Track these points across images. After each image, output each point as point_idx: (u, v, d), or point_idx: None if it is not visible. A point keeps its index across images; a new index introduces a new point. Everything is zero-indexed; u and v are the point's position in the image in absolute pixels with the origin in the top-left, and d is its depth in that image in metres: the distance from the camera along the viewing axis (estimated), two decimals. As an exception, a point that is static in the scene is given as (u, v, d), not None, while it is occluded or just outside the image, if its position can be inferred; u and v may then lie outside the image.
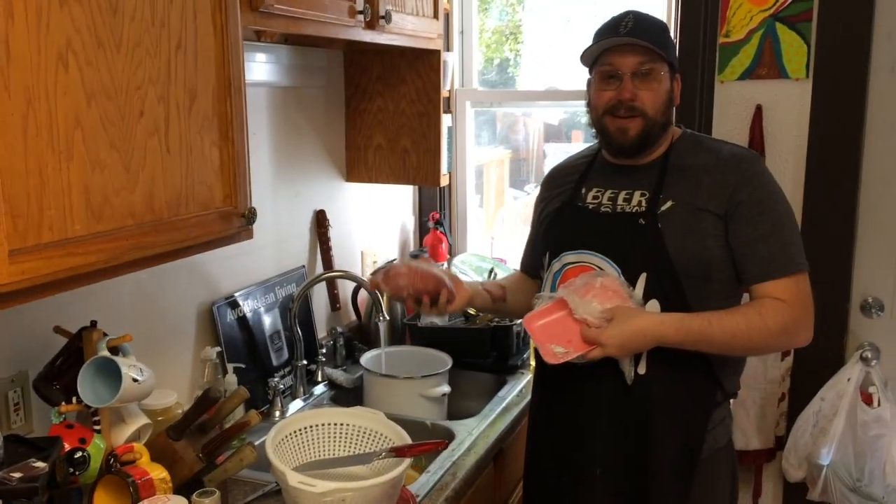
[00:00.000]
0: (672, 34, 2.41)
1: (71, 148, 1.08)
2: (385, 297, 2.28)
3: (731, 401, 1.66)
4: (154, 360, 1.63)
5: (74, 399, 1.35)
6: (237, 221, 1.43)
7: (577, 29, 2.93)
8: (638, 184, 1.58)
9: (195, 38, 1.29)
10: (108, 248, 1.15)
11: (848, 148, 2.30)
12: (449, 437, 1.84)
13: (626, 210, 1.57)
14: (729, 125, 2.42)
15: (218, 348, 1.78)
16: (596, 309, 1.47)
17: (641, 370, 1.54)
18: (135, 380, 1.36)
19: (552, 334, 1.51)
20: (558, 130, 3.36)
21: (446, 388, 2.02)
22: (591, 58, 1.58)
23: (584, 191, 1.65)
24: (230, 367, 1.80)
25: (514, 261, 2.90)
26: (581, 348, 1.48)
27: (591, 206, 1.62)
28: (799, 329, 1.52)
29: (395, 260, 2.56)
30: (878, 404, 2.27)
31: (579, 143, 3.08)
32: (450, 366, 2.06)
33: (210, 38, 1.33)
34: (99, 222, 1.13)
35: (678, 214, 1.52)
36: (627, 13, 1.56)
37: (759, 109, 2.38)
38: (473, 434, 1.85)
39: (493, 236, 3.06)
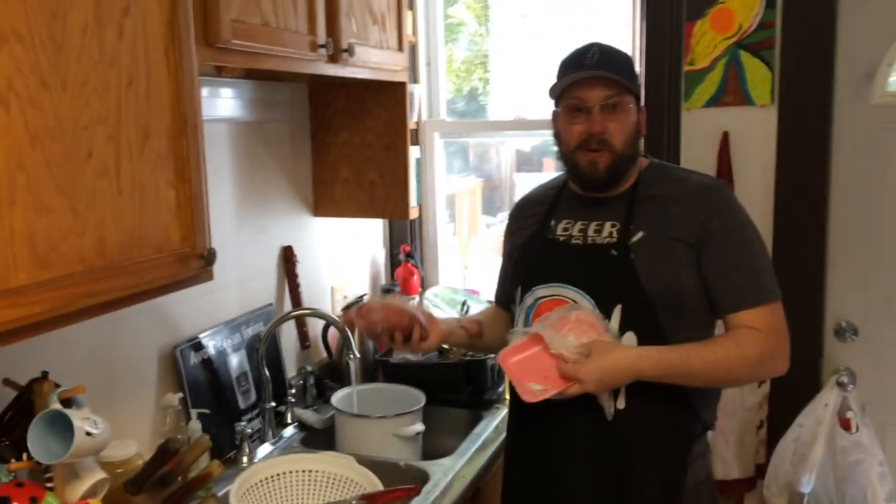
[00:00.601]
0: (637, 63, 2.42)
1: (13, 192, 1.03)
2: (357, 334, 2.25)
3: (710, 432, 1.63)
4: (112, 410, 1.56)
5: (25, 455, 1.28)
6: (195, 263, 1.37)
7: (545, 56, 2.93)
8: (608, 215, 1.57)
9: (147, 76, 1.25)
10: (56, 296, 1.09)
11: (815, 173, 2.31)
12: (423, 478, 1.79)
13: (597, 241, 1.55)
14: (696, 152, 2.42)
15: (180, 394, 1.71)
16: (572, 343, 1.44)
17: (620, 404, 1.51)
18: (88, 433, 1.29)
19: (528, 371, 1.48)
20: (530, 157, 3.36)
21: (420, 427, 1.96)
22: (558, 91, 1.57)
23: (553, 222, 1.63)
24: (194, 412, 1.73)
25: (487, 292, 2.87)
26: (559, 385, 1.45)
27: (561, 238, 1.60)
28: (776, 358, 1.50)
29: (366, 295, 2.52)
30: (857, 429, 2.25)
31: (551, 171, 3.08)
32: (423, 403, 2.01)
33: (163, 76, 1.29)
34: (45, 270, 1.08)
35: (650, 244, 1.50)
36: (592, 45, 1.55)
37: (725, 136, 2.39)
38: (449, 475, 1.80)
39: (467, 266, 3.03)
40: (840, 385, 2.29)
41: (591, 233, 1.57)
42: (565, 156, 1.59)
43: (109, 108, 1.17)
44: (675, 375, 1.45)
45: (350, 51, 1.84)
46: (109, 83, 1.17)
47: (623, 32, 2.54)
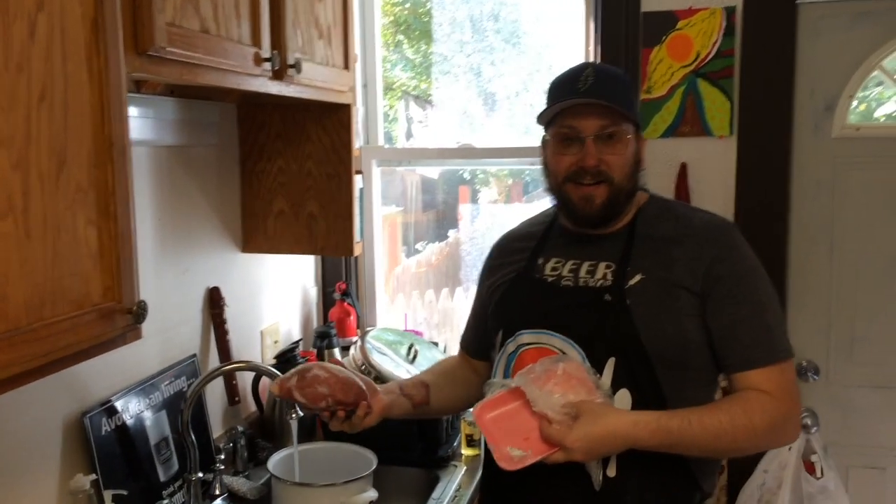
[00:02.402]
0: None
1: None
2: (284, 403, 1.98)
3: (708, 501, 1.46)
4: (7, 500, 1.26)
5: None
6: (122, 320, 1.11)
7: (490, 81, 2.78)
8: (603, 254, 1.40)
9: (65, 88, 0.99)
10: (-62, 375, 0.81)
11: (775, 207, 2.24)
12: (383, 558, 1.55)
13: (589, 284, 1.38)
14: (654, 183, 2.27)
15: (92, 475, 1.40)
16: (558, 402, 1.27)
17: (611, 472, 1.33)
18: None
19: (507, 430, 1.30)
20: (437, 185, 3.17)
21: (373, 495, 1.71)
22: (548, 118, 1.39)
23: (541, 261, 1.46)
24: (108, 495, 1.43)
25: (430, 333, 2.67)
26: (541, 451, 1.28)
27: (550, 279, 1.42)
28: (787, 425, 1.33)
29: (298, 346, 2.22)
30: (822, 474, 2.17)
31: (466, 201, 2.92)
32: (375, 466, 1.76)
33: (84, 88, 1.03)
34: (-76, 341, 0.80)
35: (649, 290, 1.34)
36: (587, 66, 1.39)
37: (683, 167, 2.29)
38: (413, 554, 1.57)
39: (393, 299, 2.81)
40: (804, 427, 2.21)
41: (583, 274, 1.40)
42: (554, 188, 1.42)
43: (16, 126, 0.90)
44: (673, 445, 1.28)
45: (297, 67, 1.61)
46: (17, 95, 0.91)
47: (577, 58, 2.41)
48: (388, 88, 2.82)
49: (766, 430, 1.29)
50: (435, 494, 1.82)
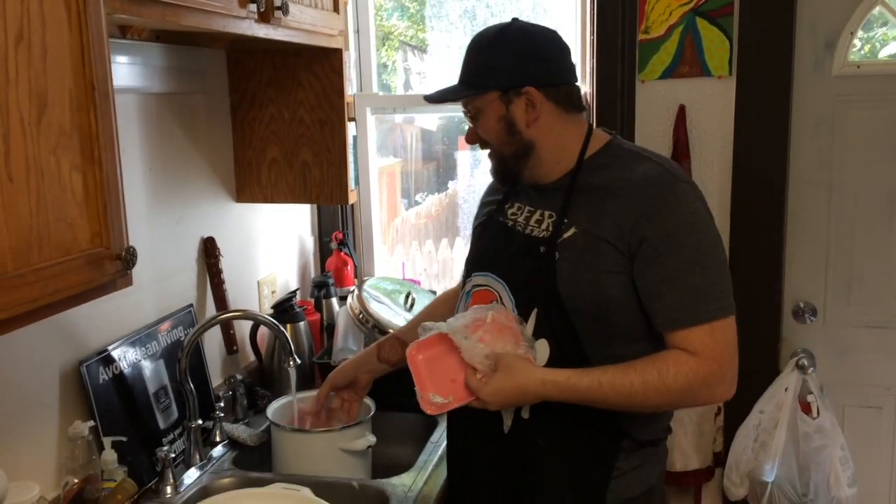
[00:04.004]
0: (588, 32, 2.22)
1: None
2: (291, 335, 2.05)
3: (657, 445, 1.45)
4: (6, 447, 1.28)
5: None
6: (111, 266, 1.10)
7: (479, 28, 2.72)
8: (549, 204, 1.41)
9: (42, 29, 0.97)
10: (-74, 320, 0.81)
11: (774, 148, 2.20)
12: (381, 499, 1.57)
13: (533, 233, 1.41)
14: (651, 127, 2.28)
15: (90, 422, 1.42)
16: (482, 352, 1.34)
17: (525, 414, 1.38)
18: (-24, 489, 1.01)
19: (436, 371, 1.38)
20: (436, 137, 3.14)
21: (371, 439, 1.73)
22: None
23: (507, 205, 1.50)
24: (107, 441, 1.45)
25: (426, 282, 2.67)
26: (462, 397, 1.35)
27: (509, 224, 1.47)
28: (711, 385, 1.29)
29: (295, 296, 2.18)
30: (818, 413, 2.18)
31: (465, 149, 2.88)
32: (373, 412, 1.78)
33: (63, 29, 1.01)
34: None
35: (578, 244, 1.33)
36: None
37: (682, 109, 2.25)
38: (411, 494, 1.59)
39: (392, 250, 2.80)
40: (800, 368, 2.22)
41: (532, 222, 1.43)
42: None
43: (-8, 68, 0.89)
44: (584, 401, 1.30)
45: (284, 8, 1.57)
46: (-9, 35, 0.88)
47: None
48: (386, 38, 2.77)
49: (680, 391, 1.28)
50: (433, 438, 1.84)
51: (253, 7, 1.49)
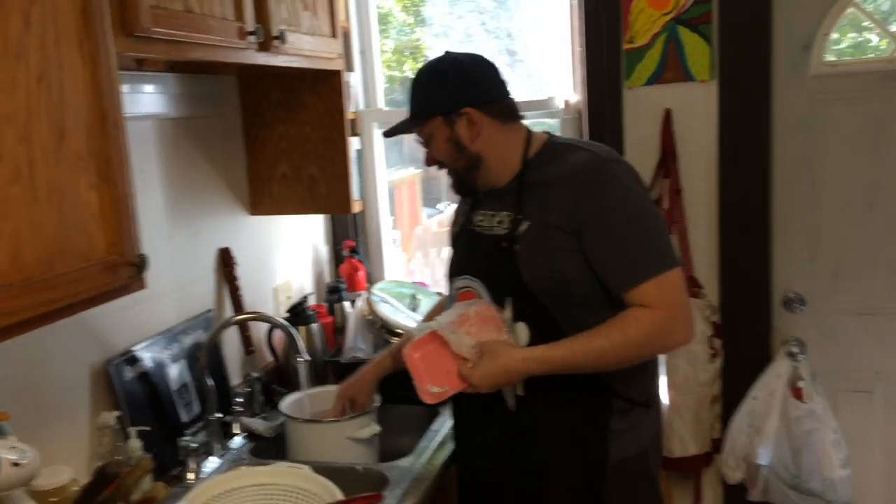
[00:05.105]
0: (576, 42, 2.37)
1: (-90, 204, 0.91)
2: (304, 336, 2.22)
3: (648, 407, 1.63)
4: (42, 435, 1.45)
5: (-55, 493, 1.16)
6: (126, 271, 1.27)
7: (478, 44, 2.87)
8: (506, 206, 1.59)
9: (60, 70, 1.14)
10: (-32, 317, 0.98)
11: (758, 146, 2.31)
12: (383, 481, 1.71)
13: (495, 233, 1.58)
14: (640, 131, 2.40)
15: (116, 412, 1.59)
16: (469, 343, 1.49)
17: (520, 391, 1.55)
18: (15, 464, 1.18)
19: (432, 366, 1.53)
20: None
21: (376, 429, 1.88)
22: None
23: (474, 213, 1.67)
24: (132, 431, 1.62)
25: (435, 285, 2.81)
26: (457, 385, 1.51)
27: (476, 230, 1.64)
28: (670, 331, 1.47)
29: (306, 300, 2.35)
30: (809, 398, 2.27)
31: None
32: (378, 404, 1.93)
33: (78, 69, 1.18)
34: (-47, 289, 0.96)
35: (532, 235, 1.52)
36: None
37: (668, 114, 2.37)
38: (409, 476, 1.73)
39: (411, 258, 2.96)
40: (790, 355, 2.31)
41: (495, 224, 1.60)
42: None
43: (18, 105, 1.06)
44: (564, 369, 1.46)
45: (282, 38, 1.74)
46: (17, 79, 1.06)
47: (561, 11, 2.50)
48: (411, 53, 2.95)
49: (643, 341, 1.45)
50: (434, 426, 1.98)
51: (253, 38, 1.65)
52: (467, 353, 1.49)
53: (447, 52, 1.62)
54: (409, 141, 3.24)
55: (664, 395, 2.37)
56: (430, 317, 1.95)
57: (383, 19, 2.87)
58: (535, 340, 1.51)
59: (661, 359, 2.34)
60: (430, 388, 1.51)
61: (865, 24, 2.33)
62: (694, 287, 2.36)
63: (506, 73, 1.65)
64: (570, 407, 1.53)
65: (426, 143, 1.61)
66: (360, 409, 1.88)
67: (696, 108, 2.34)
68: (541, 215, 1.51)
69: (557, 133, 2.40)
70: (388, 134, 1.68)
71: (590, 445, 1.54)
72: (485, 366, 1.47)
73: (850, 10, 2.24)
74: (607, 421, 1.54)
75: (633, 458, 1.57)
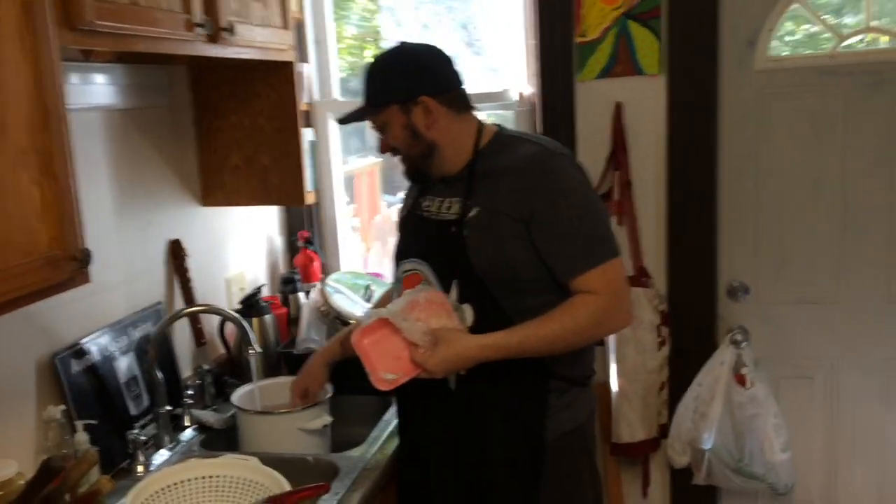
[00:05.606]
0: (529, 35, 2.40)
1: None
2: (257, 327, 2.22)
3: (585, 386, 1.70)
4: (-13, 430, 1.44)
5: None
6: (68, 266, 1.26)
7: (435, 34, 2.88)
8: (454, 192, 1.63)
9: (0, 65, 1.13)
10: None
11: (705, 140, 2.36)
12: (333, 471, 1.73)
13: (444, 218, 1.63)
14: (591, 124, 2.43)
15: (62, 406, 1.58)
16: (420, 329, 1.52)
17: (463, 372, 1.59)
18: (-43, 460, 1.17)
19: (381, 352, 1.56)
20: None
21: (327, 419, 1.90)
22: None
23: (421, 199, 1.70)
24: (79, 424, 1.61)
25: (392, 275, 2.82)
26: (410, 371, 1.53)
27: (423, 215, 1.68)
28: (613, 316, 1.57)
29: (259, 291, 2.35)
30: (751, 385, 2.34)
31: None
32: (330, 394, 1.95)
33: (18, 64, 1.17)
34: None
35: (481, 220, 1.57)
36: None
37: (618, 107, 2.41)
38: (359, 465, 1.75)
39: (370, 247, 2.97)
40: (734, 343, 2.38)
41: (443, 209, 1.64)
42: None
43: (-46, 100, 1.05)
44: (518, 354, 1.53)
45: (231, 29, 1.73)
46: (-47, 73, 1.05)
47: (516, 3, 2.52)
48: (372, 40, 2.95)
49: (592, 326, 1.54)
50: (386, 416, 2.00)
51: (201, 30, 1.65)
52: (419, 340, 1.52)
53: (402, 42, 1.65)
54: (370, 129, 3.24)
55: (613, 383, 2.43)
56: (379, 305, 1.96)
57: (344, 5, 2.87)
58: (479, 321, 1.56)
59: (611, 346, 2.41)
60: (385, 375, 1.54)
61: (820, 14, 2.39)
62: (643, 277, 2.41)
63: (462, 64, 1.67)
64: (509, 387, 1.58)
65: (381, 130, 1.64)
66: (313, 400, 1.90)
67: (646, 101, 2.39)
68: (490, 202, 1.56)
69: (511, 125, 2.43)
70: (342, 121, 1.69)
71: (528, 422, 1.60)
72: (441, 352, 1.51)
73: (795, 5, 2.30)
74: (545, 399, 1.60)
75: (571, 434, 1.64)
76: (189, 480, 1.38)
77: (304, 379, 1.92)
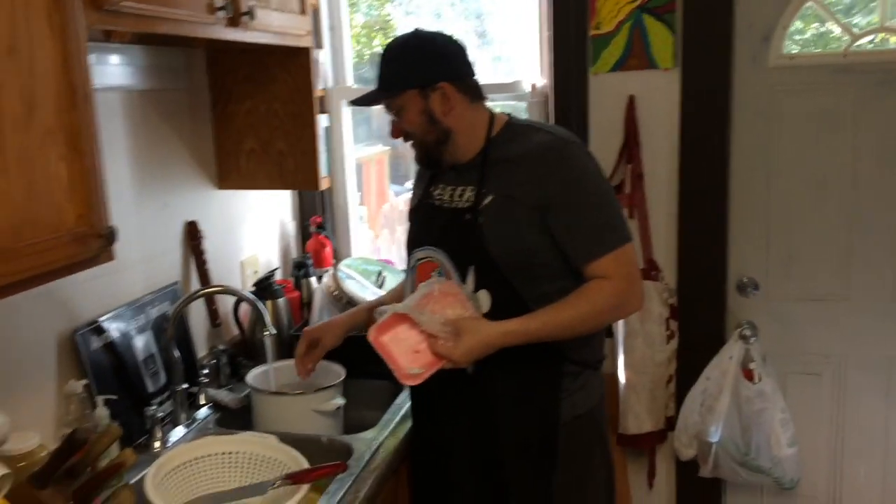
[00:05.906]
0: (544, 27, 2.41)
1: None
2: (271, 310, 2.24)
3: (597, 369, 1.73)
4: (10, 401, 1.47)
5: (-88, 457, 1.18)
6: (95, 243, 1.29)
7: (447, 24, 2.89)
8: (467, 180, 1.65)
9: (30, 43, 1.15)
10: (-62, 284, 1.00)
11: (717, 135, 2.37)
12: (347, 452, 1.76)
13: (457, 206, 1.64)
14: (604, 117, 2.45)
15: (84, 381, 1.61)
16: (438, 321, 1.54)
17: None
18: (-17, 429, 1.20)
19: (399, 346, 1.57)
20: None
21: (340, 401, 1.93)
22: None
23: (432, 188, 1.72)
24: (99, 399, 1.64)
25: (401, 262, 2.84)
26: (433, 363, 1.54)
27: (436, 203, 1.69)
28: (628, 300, 1.61)
29: (273, 275, 2.37)
30: (759, 379, 2.36)
31: None
32: (343, 377, 1.97)
33: (47, 42, 1.18)
34: (-76, 256, 0.98)
35: (496, 207, 1.59)
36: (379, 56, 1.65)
37: (631, 100, 2.42)
38: (372, 447, 1.78)
39: (378, 235, 2.99)
40: (743, 338, 2.39)
41: (456, 197, 1.66)
42: None
43: (-12, 77, 1.07)
44: (539, 339, 1.56)
45: (251, 14, 1.75)
46: (-14, 50, 1.07)
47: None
48: (380, 28, 2.96)
49: (608, 310, 1.60)
50: (398, 401, 2.03)
51: (222, 14, 1.66)
52: (438, 331, 1.53)
53: (418, 29, 1.66)
54: (379, 117, 3.26)
55: (621, 375, 2.45)
56: (391, 296, 1.97)
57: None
58: (495, 308, 1.59)
59: (619, 338, 2.43)
60: (410, 370, 1.55)
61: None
62: (653, 270, 2.43)
63: (474, 55, 1.69)
64: (524, 371, 1.61)
65: (396, 114, 1.65)
66: (323, 351, 1.90)
67: (659, 95, 2.40)
68: (505, 190, 1.58)
69: (524, 116, 2.45)
70: (356, 103, 1.71)
71: (542, 405, 1.63)
72: (466, 342, 1.52)
73: (810, 3, 2.31)
74: (560, 382, 1.64)
75: (584, 416, 1.67)
76: (209, 456, 1.40)
77: (319, 329, 1.92)
